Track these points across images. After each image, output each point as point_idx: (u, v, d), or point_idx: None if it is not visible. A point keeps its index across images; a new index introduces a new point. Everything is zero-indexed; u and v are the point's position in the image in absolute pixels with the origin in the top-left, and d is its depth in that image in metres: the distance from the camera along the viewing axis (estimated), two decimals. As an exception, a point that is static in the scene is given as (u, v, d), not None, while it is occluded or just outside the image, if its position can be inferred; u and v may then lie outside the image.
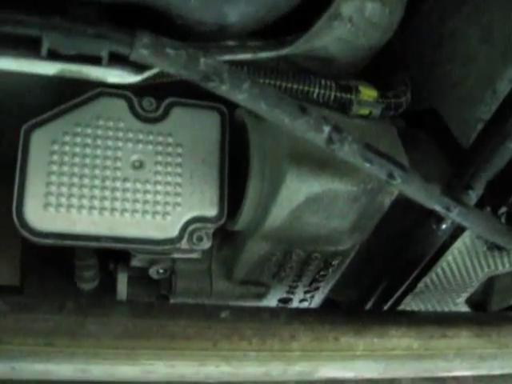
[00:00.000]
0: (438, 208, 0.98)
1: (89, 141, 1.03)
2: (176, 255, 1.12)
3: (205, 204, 1.07)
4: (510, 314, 1.25)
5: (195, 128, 1.09)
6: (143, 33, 0.76)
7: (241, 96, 0.80)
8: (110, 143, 1.04)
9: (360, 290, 1.37)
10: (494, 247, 1.23)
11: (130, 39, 0.76)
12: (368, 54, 1.12)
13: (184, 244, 1.05)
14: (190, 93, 1.08)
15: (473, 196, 1.06)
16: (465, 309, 1.39)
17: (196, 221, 1.06)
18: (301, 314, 1.07)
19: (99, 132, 1.04)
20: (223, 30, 0.79)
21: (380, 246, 1.25)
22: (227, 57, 0.87)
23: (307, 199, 1.01)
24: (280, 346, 1.02)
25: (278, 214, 1.03)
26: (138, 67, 0.79)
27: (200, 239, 1.06)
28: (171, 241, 1.04)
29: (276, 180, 1.00)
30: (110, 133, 1.04)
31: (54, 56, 0.74)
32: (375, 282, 1.31)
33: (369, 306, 1.33)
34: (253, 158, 1.04)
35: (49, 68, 0.75)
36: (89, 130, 1.03)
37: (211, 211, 1.07)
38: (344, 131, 0.88)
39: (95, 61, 0.77)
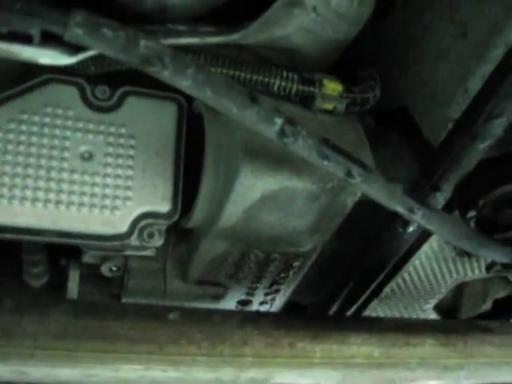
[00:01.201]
0: (400, 209, 0.93)
1: (35, 129, 0.97)
2: (128, 252, 1.07)
3: (157, 199, 1.01)
4: (478, 322, 1.20)
5: (150, 119, 1.03)
6: (78, 11, 0.70)
7: (185, 82, 0.75)
8: (57, 132, 0.98)
9: (324, 293, 1.32)
10: (463, 253, 1.18)
11: (63, 17, 0.70)
12: (336, 46, 1.07)
13: (134, 240, 0.99)
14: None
15: (440, 198, 1.01)
16: (433, 316, 1.34)
17: (147, 216, 1.00)
18: (255, 318, 1.02)
19: (47, 120, 0.98)
20: (166, 10, 0.74)
21: (344, 248, 1.20)
22: (172, 40, 0.81)
23: (263, 196, 0.96)
24: (231, 351, 0.97)
25: (233, 211, 0.97)
26: (73, 48, 0.73)
27: (151, 236, 1.00)
28: (120, 237, 0.99)
29: (230, 176, 0.95)
30: (59, 121, 0.98)
31: (-21, 33, 0.69)
32: (339, 286, 1.26)
33: (333, 310, 1.28)
34: (207, 152, 0.99)
35: (-26, 46, 0.69)
36: (36, 118, 0.97)
37: (164, 207, 1.01)
38: (298, 124, 0.83)
39: (26, 39, 0.71)
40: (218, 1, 0.80)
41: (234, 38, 0.83)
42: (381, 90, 1.11)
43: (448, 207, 1.05)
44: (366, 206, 1.05)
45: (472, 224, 1.07)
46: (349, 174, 0.87)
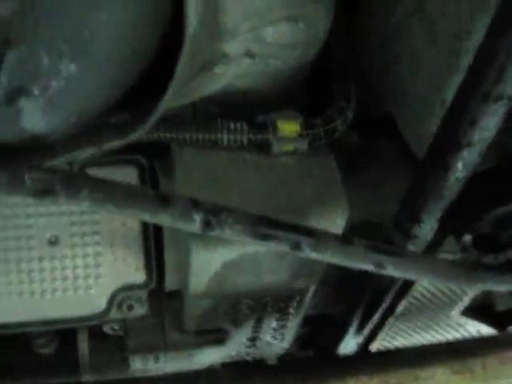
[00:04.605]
0: (367, 268, 0.85)
1: (-2, 223, 0.98)
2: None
3: (130, 271, 1.00)
4: (500, 337, 1.10)
5: (111, 188, 1.00)
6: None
7: (84, 203, 0.71)
8: (20, 222, 0.98)
9: (345, 305, 1.26)
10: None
11: None
12: (293, 73, 0.97)
13: (114, 314, 1.00)
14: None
15: (426, 229, 0.92)
16: (462, 320, 1.24)
17: (123, 290, 1.00)
18: (244, 375, 0.99)
19: (7, 212, 0.98)
20: (40, 142, 0.69)
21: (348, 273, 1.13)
22: (76, 153, 0.76)
23: (224, 265, 0.91)
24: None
25: (199, 281, 0.94)
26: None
27: (131, 308, 1.00)
28: (99, 315, 0.99)
29: (186, 251, 0.91)
30: (20, 210, 0.98)
31: None
32: (354, 305, 1.20)
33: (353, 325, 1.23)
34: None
35: None
36: (-4, 211, 0.98)
37: (138, 277, 1.00)
38: (223, 213, 0.76)
39: None
40: (91, 118, 0.72)
41: (139, 133, 0.77)
42: (365, 98, 1.02)
43: (441, 234, 0.95)
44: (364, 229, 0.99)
45: (469, 245, 0.97)
46: (296, 246, 0.80)
